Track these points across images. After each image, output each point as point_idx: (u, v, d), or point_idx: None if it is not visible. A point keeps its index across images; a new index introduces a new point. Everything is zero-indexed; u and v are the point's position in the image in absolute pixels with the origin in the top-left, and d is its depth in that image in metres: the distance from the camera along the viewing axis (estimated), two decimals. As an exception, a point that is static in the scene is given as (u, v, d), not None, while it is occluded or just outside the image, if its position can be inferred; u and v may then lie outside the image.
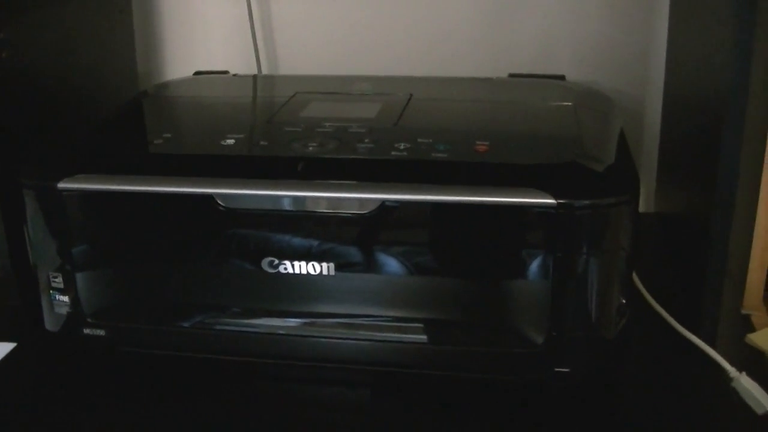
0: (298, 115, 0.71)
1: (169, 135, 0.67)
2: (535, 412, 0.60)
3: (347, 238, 0.59)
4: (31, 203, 0.63)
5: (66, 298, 0.64)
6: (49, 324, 0.66)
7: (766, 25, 0.60)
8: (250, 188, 0.59)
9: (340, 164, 0.60)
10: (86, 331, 0.65)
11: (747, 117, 0.61)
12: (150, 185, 0.60)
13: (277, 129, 0.68)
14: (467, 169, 0.59)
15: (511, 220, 0.57)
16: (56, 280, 0.64)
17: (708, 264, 0.66)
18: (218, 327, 0.63)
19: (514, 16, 0.93)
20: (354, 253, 0.59)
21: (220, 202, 0.59)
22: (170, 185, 0.60)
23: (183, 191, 0.60)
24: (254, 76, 0.95)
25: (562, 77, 0.85)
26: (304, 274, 0.60)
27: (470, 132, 0.66)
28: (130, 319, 0.65)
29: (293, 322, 0.62)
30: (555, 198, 0.55)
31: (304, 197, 0.59)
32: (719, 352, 0.64)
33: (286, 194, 0.59)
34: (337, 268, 0.59)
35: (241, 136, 0.65)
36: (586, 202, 0.56)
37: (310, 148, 0.62)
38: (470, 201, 0.56)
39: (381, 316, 0.61)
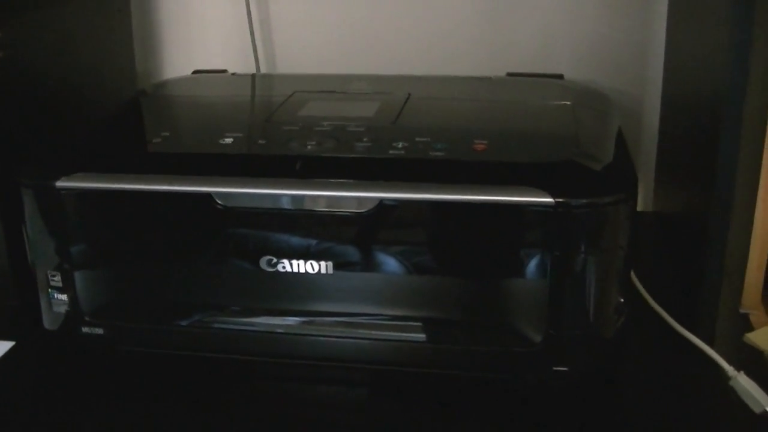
0: (296, 114, 0.71)
1: (167, 134, 0.67)
2: (534, 410, 0.60)
3: (345, 237, 0.59)
4: (29, 202, 0.63)
5: (64, 297, 0.64)
6: (48, 323, 0.66)
7: (764, 24, 0.60)
8: (249, 187, 0.59)
9: (338, 163, 0.60)
10: (85, 329, 0.65)
11: (745, 116, 0.61)
12: (148, 184, 0.60)
13: (275, 128, 0.68)
14: (465, 168, 0.59)
15: (509, 219, 0.57)
16: (55, 278, 0.64)
17: (706, 263, 0.66)
18: (216, 326, 0.63)
19: (513, 15, 0.93)
20: (352, 252, 0.59)
21: (218, 200, 0.59)
22: (168, 184, 0.60)
23: (181, 190, 0.60)
24: (252, 75, 0.95)
25: (560, 76, 0.85)
26: (302, 273, 0.60)
27: (468, 131, 0.66)
28: (128, 318, 0.65)
29: (292, 320, 0.62)
30: (553, 197, 0.55)
31: (303, 196, 0.59)
32: (717, 351, 0.64)
33: (284, 193, 0.59)
34: (335, 267, 0.59)
35: (240, 135, 0.65)
36: (584, 200, 0.56)
37: (309, 147, 0.62)
38: (468, 200, 0.56)
39: (379, 315, 0.61)
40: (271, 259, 0.60)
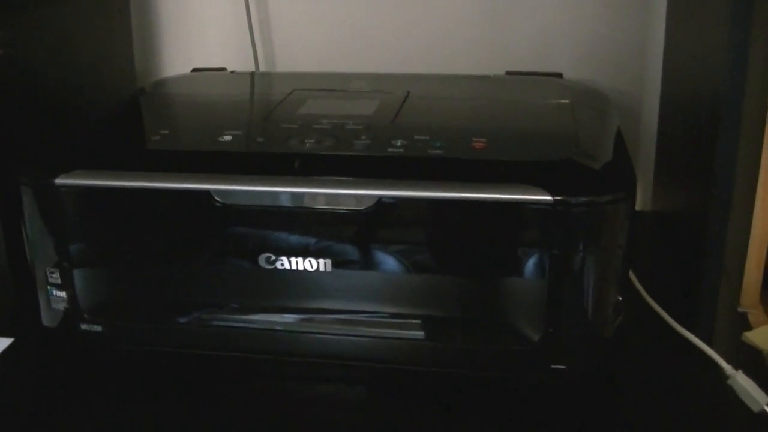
0: (295, 112, 0.71)
1: (166, 131, 0.67)
2: (533, 409, 0.60)
3: (344, 235, 0.59)
4: (28, 199, 0.63)
5: (63, 294, 0.64)
6: (46, 320, 0.66)
7: (762, 24, 0.60)
8: (248, 184, 0.59)
9: (337, 161, 0.60)
10: (83, 326, 0.65)
11: (744, 115, 0.62)
12: (147, 181, 0.60)
13: (274, 126, 0.68)
14: (464, 166, 0.59)
15: (508, 217, 0.57)
16: (53, 276, 0.64)
17: (705, 262, 0.66)
18: (215, 323, 0.63)
19: (512, 14, 0.93)
20: (351, 250, 0.59)
21: (217, 198, 0.59)
22: (167, 181, 0.60)
23: (180, 187, 0.60)
24: (252, 73, 0.95)
25: (559, 75, 0.86)
26: (301, 271, 0.60)
27: (467, 129, 0.66)
28: (127, 315, 0.65)
29: (290, 318, 0.62)
30: (552, 195, 0.55)
31: (301, 194, 0.59)
32: (716, 350, 0.64)
33: (283, 191, 0.59)
34: (334, 265, 0.59)
35: (239, 132, 0.65)
36: (583, 199, 0.56)
37: (307, 145, 0.62)
38: (467, 198, 0.56)
39: (377, 313, 0.61)
40: (270, 257, 0.60)
